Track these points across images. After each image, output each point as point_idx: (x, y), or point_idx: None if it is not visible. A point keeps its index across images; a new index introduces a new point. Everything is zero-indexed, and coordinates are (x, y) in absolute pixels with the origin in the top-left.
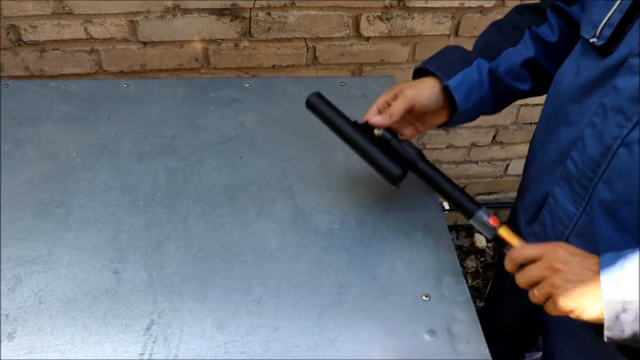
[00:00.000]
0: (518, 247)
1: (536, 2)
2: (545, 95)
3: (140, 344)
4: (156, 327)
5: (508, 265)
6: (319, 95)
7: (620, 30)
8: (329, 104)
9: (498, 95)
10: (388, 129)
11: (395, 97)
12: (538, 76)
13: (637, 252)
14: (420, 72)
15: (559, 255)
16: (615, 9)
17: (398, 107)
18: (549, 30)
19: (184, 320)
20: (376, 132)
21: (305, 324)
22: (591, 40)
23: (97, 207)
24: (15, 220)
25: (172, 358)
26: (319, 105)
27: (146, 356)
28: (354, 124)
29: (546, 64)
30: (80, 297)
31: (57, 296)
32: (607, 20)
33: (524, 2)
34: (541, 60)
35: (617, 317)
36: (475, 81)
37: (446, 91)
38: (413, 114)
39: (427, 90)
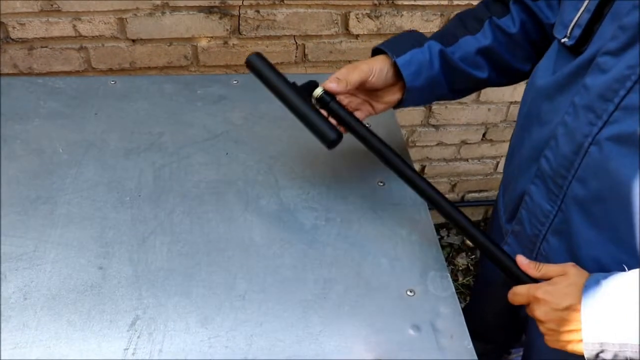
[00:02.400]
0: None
1: None
2: None
3: (124, 339)
4: (141, 323)
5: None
6: (259, 55)
7: (589, 30)
8: (270, 65)
9: (453, 80)
10: (327, 91)
11: (352, 70)
12: (495, 65)
13: (618, 284)
14: (376, 53)
15: (545, 288)
16: (584, 10)
17: (354, 76)
18: (510, 22)
19: (168, 315)
20: (315, 93)
21: (290, 319)
22: (562, 40)
23: (83, 203)
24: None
25: (156, 353)
26: (258, 66)
27: (130, 351)
28: (293, 86)
29: (504, 54)
30: (65, 293)
31: (42, 292)
32: (577, 21)
33: None
34: (499, 50)
35: (597, 356)
36: (425, 61)
37: (397, 69)
38: (366, 91)
39: (378, 65)
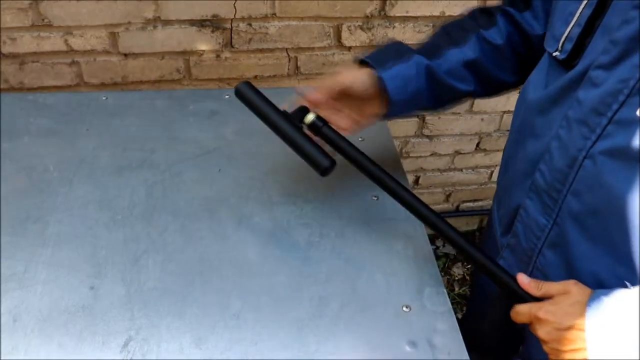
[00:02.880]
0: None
1: (492, 5)
2: None
3: None
4: (133, 344)
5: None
6: (248, 84)
7: (580, 44)
8: (259, 93)
9: (437, 93)
10: (319, 117)
11: (334, 77)
12: (481, 77)
13: (621, 302)
14: (360, 64)
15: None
16: (574, 23)
17: (335, 84)
18: (497, 34)
19: (161, 336)
20: (307, 119)
21: (285, 338)
22: (554, 54)
23: (74, 222)
24: None
25: None
26: (248, 95)
27: None
28: (284, 114)
29: (490, 67)
30: (56, 315)
31: (33, 314)
32: (568, 34)
33: (480, 6)
34: (484, 63)
35: None
36: (411, 76)
37: (382, 83)
38: (347, 102)
39: (360, 76)
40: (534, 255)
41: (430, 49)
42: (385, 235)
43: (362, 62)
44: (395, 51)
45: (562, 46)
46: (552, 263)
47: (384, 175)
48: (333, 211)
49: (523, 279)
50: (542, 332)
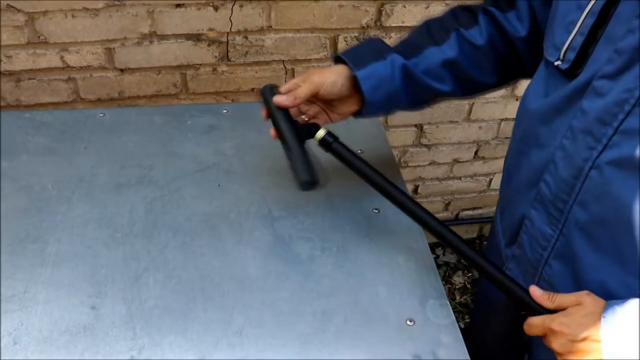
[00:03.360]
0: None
1: (474, 5)
2: None
3: None
4: None
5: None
6: (271, 87)
7: (583, 53)
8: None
9: (414, 93)
10: (330, 133)
11: (304, 81)
12: (459, 78)
13: (637, 312)
14: (337, 61)
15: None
16: (577, 32)
17: (303, 90)
18: (478, 33)
19: (164, 355)
20: (317, 135)
21: (289, 354)
22: (556, 63)
23: (73, 241)
24: None
25: None
26: (266, 97)
27: None
28: (293, 123)
29: (469, 67)
30: (57, 335)
31: (33, 335)
32: (570, 43)
33: (462, 4)
34: (464, 63)
35: None
36: (386, 75)
37: (356, 81)
38: (321, 101)
39: (332, 77)
40: (540, 266)
41: (408, 46)
42: (386, 247)
43: (338, 59)
44: (372, 49)
45: (564, 55)
46: (558, 274)
47: (396, 191)
48: (334, 225)
49: (536, 291)
50: (556, 344)
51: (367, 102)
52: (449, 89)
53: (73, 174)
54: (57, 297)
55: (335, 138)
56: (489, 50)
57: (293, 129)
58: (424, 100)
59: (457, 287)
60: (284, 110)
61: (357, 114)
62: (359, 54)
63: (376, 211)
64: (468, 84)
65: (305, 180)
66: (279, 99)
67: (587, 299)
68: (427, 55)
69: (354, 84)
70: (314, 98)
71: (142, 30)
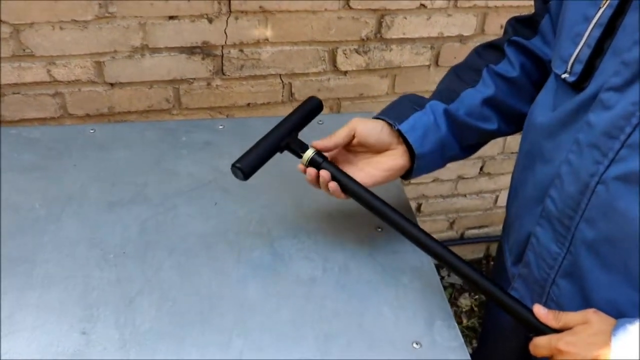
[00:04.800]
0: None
1: (495, 40)
2: None
3: None
4: None
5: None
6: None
7: (590, 65)
8: (305, 105)
9: (463, 138)
10: (319, 152)
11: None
12: (503, 114)
13: None
14: None
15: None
16: (583, 44)
17: (341, 132)
18: (509, 66)
19: None
20: (306, 155)
21: None
22: (563, 76)
23: (63, 263)
24: None
25: None
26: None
27: None
28: (285, 128)
29: (510, 101)
30: None
31: None
32: (577, 56)
33: (483, 43)
34: (503, 98)
35: None
36: (430, 123)
37: (398, 133)
38: (362, 155)
39: (371, 124)
40: (547, 286)
41: (443, 94)
42: (391, 267)
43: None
44: (408, 102)
45: (571, 68)
46: (566, 293)
47: (388, 209)
48: (336, 244)
49: (540, 310)
50: None
51: (418, 155)
52: (496, 127)
53: (62, 192)
54: (45, 322)
55: (325, 158)
56: (524, 80)
57: (278, 132)
58: (474, 144)
59: (464, 310)
60: (287, 120)
61: (409, 172)
62: (396, 109)
63: (379, 230)
64: (513, 118)
65: (233, 163)
66: (317, 142)
67: (594, 317)
68: (465, 99)
69: (398, 139)
70: (355, 156)
71: (134, 43)
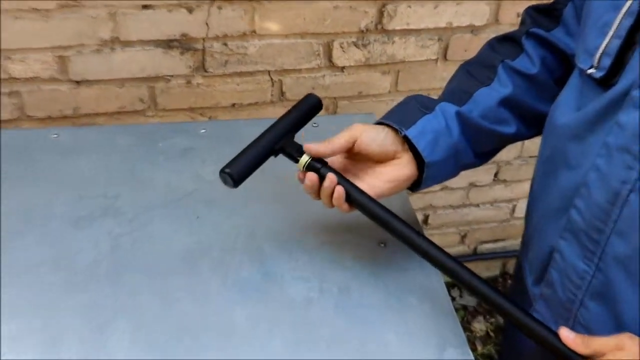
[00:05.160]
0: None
1: (511, 31)
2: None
3: None
4: None
5: None
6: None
7: (620, 59)
8: (303, 104)
9: (477, 143)
10: (317, 158)
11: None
12: (522, 115)
13: None
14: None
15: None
16: (612, 35)
17: (339, 138)
18: (528, 61)
19: None
20: (301, 160)
21: None
22: (589, 71)
23: (24, 287)
24: None
25: None
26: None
27: None
28: (282, 129)
29: (529, 100)
30: None
31: None
32: (605, 49)
33: (497, 35)
34: (522, 97)
35: None
36: (441, 127)
37: (407, 143)
38: (364, 165)
39: (373, 132)
40: (574, 308)
41: (454, 93)
42: (396, 287)
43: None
44: (414, 104)
45: (598, 62)
46: (596, 316)
47: (399, 222)
48: (334, 262)
49: (567, 335)
50: None
51: (428, 164)
52: (514, 131)
53: (22, 206)
54: (4, 354)
55: (324, 163)
56: (545, 77)
57: (273, 133)
58: (490, 150)
59: (478, 335)
60: (280, 120)
61: (417, 183)
62: (402, 113)
63: (382, 245)
64: (533, 120)
65: (223, 169)
66: (310, 146)
67: (629, 343)
68: (479, 99)
69: (404, 146)
70: (355, 166)
71: (102, 35)
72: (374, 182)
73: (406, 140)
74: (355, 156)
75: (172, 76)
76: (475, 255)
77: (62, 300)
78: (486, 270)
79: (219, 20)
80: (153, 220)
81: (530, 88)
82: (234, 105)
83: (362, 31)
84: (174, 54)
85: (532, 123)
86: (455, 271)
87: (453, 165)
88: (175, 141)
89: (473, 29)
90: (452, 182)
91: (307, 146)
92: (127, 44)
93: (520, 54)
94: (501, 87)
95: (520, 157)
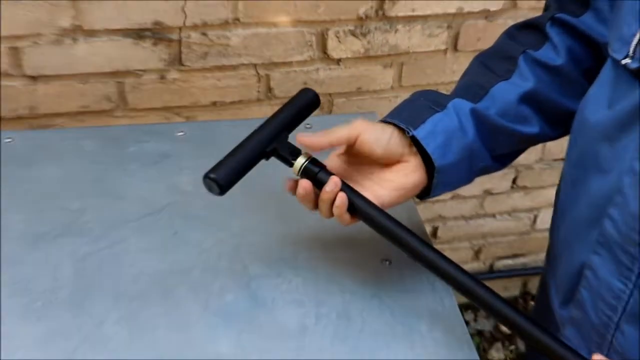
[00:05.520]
0: None
1: (533, 18)
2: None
3: None
4: None
5: None
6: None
7: None
8: (296, 100)
9: (495, 145)
10: (314, 160)
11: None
12: (546, 113)
13: None
14: None
15: None
16: None
17: (341, 131)
18: (552, 51)
19: None
20: (297, 162)
21: None
22: (623, 61)
23: None
24: None
25: None
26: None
27: None
28: (271, 138)
29: (555, 96)
30: None
31: None
32: None
33: (517, 22)
34: (546, 92)
35: None
36: (454, 127)
37: (415, 145)
38: (365, 169)
39: (380, 130)
40: (609, 333)
41: (469, 88)
42: (403, 312)
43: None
44: (423, 101)
45: (634, 51)
46: (634, 341)
47: (409, 234)
48: (332, 283)
49: None
50: None
51: (439, 168)
52: (537, 131)
53: None
54: None
55: (322, 167)
56: (572, 69)
57: (261, 133)
58: (508, 152)
59: None
60: (280, 113)
61: (426, 190)
62: (409, 111)
63: (387, 262)
64: (559, 118)
65: (207, 174)
66: (305, 136)
67: None
68: (497, 94)
69: (411, 149)
70: (356, 170)
71: (62, 23)
72: (378, 190)
73: (414, 142)
74: (356, 160)
75: (143, 71)
76: (492, 273)
77: (18, 328)
78: (504, 290)
79: (197, 7)
80: (123, 238)
81: (556, 82)
82: (214, 103)
83: (361, 18)
84: (145, 45)
85: (557, 122)
86: (475, 291)
87: (467, 169)
88: (149, 146)
89: (487, 15)
90: (465, 190)
91: (300, 137)
92: (91, 33)
93: (544, 43)
94: (522, 80)
95: (542, 160)
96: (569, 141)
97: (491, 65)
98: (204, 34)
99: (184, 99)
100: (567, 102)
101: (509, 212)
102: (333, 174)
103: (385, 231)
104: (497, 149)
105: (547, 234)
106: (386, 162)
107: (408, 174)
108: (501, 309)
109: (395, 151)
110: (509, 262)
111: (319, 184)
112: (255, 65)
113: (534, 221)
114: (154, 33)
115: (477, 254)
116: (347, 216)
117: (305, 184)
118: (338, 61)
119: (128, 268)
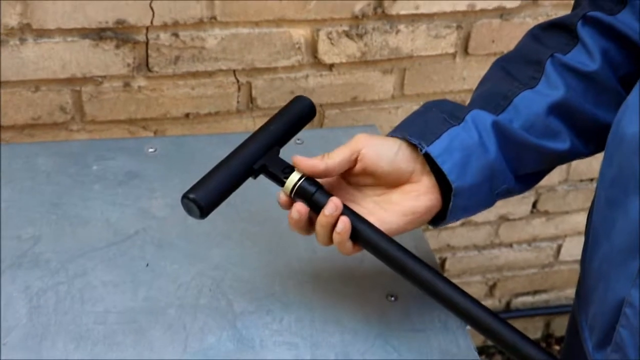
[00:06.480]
0: None
1: (561, 17)
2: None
3: None
4: None
5: None
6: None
7: None
8: (290, 108)
9: (520, 163)
10: (310, 179)
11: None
12: (578, 126)
13: None
14: None
15: None
16: None
17: (340, 152)
18: (584, 55)
19: None
20: (289, 180)
21: None
22: None
23: None
24: None
25: None
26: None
27: None
28: (259, 154)
29: (588, 106)
30: None
31: None
32: None
33: (541, 22)
34: (578, 102)
35: None
36: (473, 143)
37: (428, 163)
38: (368, 189)
39: (387, 145)
40: None
41: (488, 99)
42: (410, 353)
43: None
44: (437, 112)
45: None
46: None
47: (416, 263)
48: (330, 321)
49: None
50: None
51: (456, 191)
52: (567, 146)
53: None
54: None
55: (319, 186)
56: (607, 75)
57: (243, 152)
58: (534, 172)
59: None
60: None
61: (441, 216)
62: (421, 123)
63: (392, 298)
64: (592, 132)
65: (186, 194)
66: (301, 160)
67: None
68: (522, 105)
69: (423, 167)
70: (359, 191)
71: (9, 22)
72: (383, 214)
73: (427, 160)
74: (358, 179)
75: (104, 77)
76: (509, 312)
77: None
78: (523, 331)
79: (167, 3)
80: (85, 271)
81: (589, 90)
82: (187, 115)
83: (357, 17)
84: (107, 48)
85: (590, 136)
86: (498, 330)
87: (488, 191)
88: (115, 164)
89: (503, 13)
90: (477, 216)
91: (297, 160)
92: (43, 33)
93: (575, 45)
94: (550, 89)
95: (567, 181)
96: (603, 158)
97: (514, 71)
98: (175, 35)
99: (152, 110)
100: (601, 114)
101: (529, 241)
102: (332, 195)
103: (393, 261)
104: (521, 168)
105: (572, 267)
106: (393, 182)
107: (419, 196)
108: (530, 353)
109: (404, 169)
110: (529, 299)
111: (315, 206)
112: (234, 72)
113: (558, 252)
114: (117, 33)
115: (491, 289)
116: (349, 244)
117: (299, 208)
118: (330, 67)
119: (91, 306)
